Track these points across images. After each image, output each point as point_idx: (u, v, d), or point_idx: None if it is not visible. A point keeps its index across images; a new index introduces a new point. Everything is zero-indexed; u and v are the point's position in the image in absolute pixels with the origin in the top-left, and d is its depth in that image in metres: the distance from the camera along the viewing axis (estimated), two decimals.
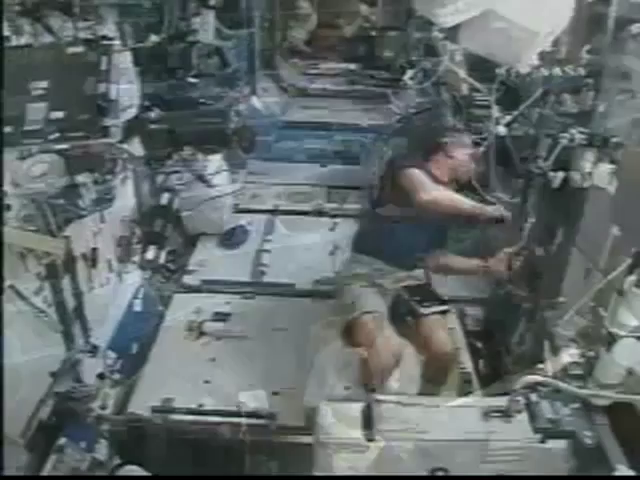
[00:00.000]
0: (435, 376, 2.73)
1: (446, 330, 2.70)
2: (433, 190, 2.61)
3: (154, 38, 3.19)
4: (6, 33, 1.98)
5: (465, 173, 2.87)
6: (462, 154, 2.88)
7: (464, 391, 2.90)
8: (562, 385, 1.84)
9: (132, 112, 2.64)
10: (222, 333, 3.31)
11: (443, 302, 2.76)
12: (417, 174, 2.68)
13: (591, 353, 1.92)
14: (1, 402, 1.95)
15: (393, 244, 2.79)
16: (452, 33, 2.70)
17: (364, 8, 7.36)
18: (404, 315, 2.77)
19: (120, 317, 3.14)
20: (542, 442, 1.85)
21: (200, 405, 2.84)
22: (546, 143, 2.63)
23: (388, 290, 2.82)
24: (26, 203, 2.12)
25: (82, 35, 2.36)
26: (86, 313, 2.67)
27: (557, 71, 2.58)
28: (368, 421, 1.89)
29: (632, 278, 1.71)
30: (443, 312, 2.73)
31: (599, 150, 2.01)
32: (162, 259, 3.71)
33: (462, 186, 2.86)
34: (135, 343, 3.21)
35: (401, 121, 4.62)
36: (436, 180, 2.77)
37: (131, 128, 2.74)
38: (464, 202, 2.60)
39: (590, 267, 2.19)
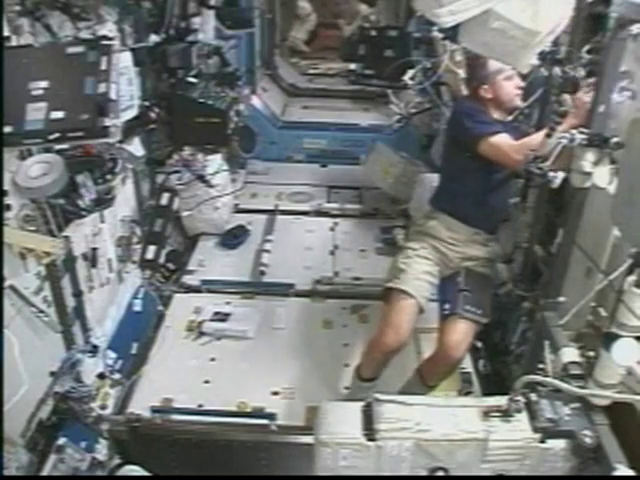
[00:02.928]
0: (428, 373, 2.71)
1: (468, 339, 2.63)
2: (516, 153, 2.42)
3: (154, 38, 3.19)
4: (6, 33, 1.98)
5: (510, 102, 2.74)
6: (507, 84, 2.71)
7: (464, 391, 2.91)
8: (562, 385, 1.84)
9: (132, 112, 2.64)
10: (222, 333, 3.31)
11: (485, 314, 2.66)
12: (499, 142, 2.52)
13: (591, 353, 1.92)
14: (1, 402, 1.95)
15: (466, 202, 2.74)
16: (452, 33, 2.70)
17: (364, 8, 7.38)
18: (444, 298, 2.73)
19: (120, 317, 3.14)
20: (542, 442, 1.85)
21: (200, 405, 2.85)
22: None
23: (450, 264, 2.76)
24: (26, 203, 2.12)
25: (82, 35, 2.37)
26: (86, 313, 2.67)
27: (557, 71, 2.59)
28: (368, 421, 1.89)
29: (632, 278, 1.71)
30: (476, 321, 2.64)
31: (599, 150, 2.01)
32: (162, 259, 3.71)
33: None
34: (135, 343, 3.21)
35: (401, 121, 4.62)
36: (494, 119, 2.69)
37: (131, 128, 2.75)
38: (533, 142, 2.36)
39: (590, 267, 2.19)
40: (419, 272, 2.70)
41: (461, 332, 2.60)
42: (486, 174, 2.70)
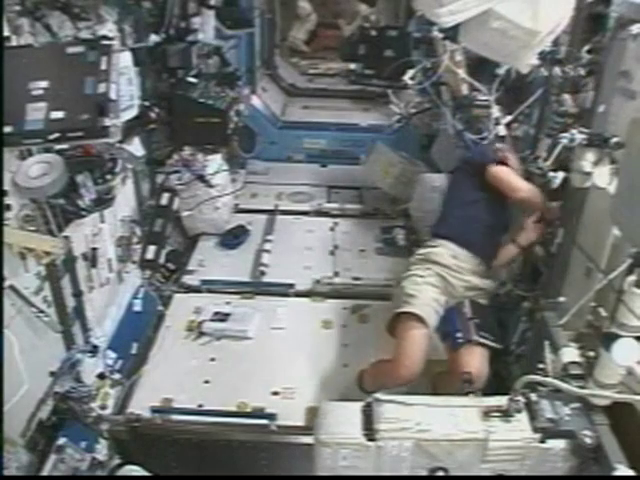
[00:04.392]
0: (442, 391, 2.71)
1: (486, 362, 2.65)
2: (527, 186, 2.75)
3: (154, 38, 3.19)
4: (6, 33, 1.98)
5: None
6: (513, 161, 2.98)
7: (464, 391, 2.90)
8: (562, 385, 1.84)
9: (132, 112, 2.64)
10: (222, 333, 3.31)
11: (497, 341, 2.70)
12: (509, 171, 2.80)
13: (591, 353, 1.92)
14: (1, 402, 1.95)
15: (471, 230, 2.83)
16: (452, 33, 2.70)
17: (364, 8, 7.37)
18: (454, 328, 2.71)
19: (120, 317, 3.14)
20: (542, 442, 1.85)
21: (200, 405, 2.85)
22: (546, 143, 2.63)
23: (455, 293, 2.77)
24: (26, 203, 2.12)
25: (82, 35, 2.37)
26: (86, 313, 2.67)
27: (557, 71, 2.59)
28: (368, 421, 1.89)
29: (632, 278, 1.71)
30: (491, 348, 2.68)
31: (599, 150, 2.01)
32: (162, 259, 3.71)
33: None
34: (135, 343, 3.21)
35: (401, 121, 4.62)
36: None
37: (131, 128, 2.74)
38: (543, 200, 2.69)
39: (590, 267, 2.19)
40: (429, 299, 2.68)
41: (480, 359, 2.62)
42: (495, 204, 2.84)
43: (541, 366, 2.15)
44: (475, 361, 2.60)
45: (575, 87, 2.41)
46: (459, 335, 2.66)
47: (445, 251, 2.81)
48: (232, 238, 4.21)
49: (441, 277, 2.75)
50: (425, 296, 2.67)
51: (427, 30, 3.51)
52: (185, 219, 4.11)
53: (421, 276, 2.76)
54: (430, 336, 2.64)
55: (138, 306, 3.34)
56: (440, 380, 2.83)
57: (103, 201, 2.53)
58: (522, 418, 1.88)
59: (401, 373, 2.56)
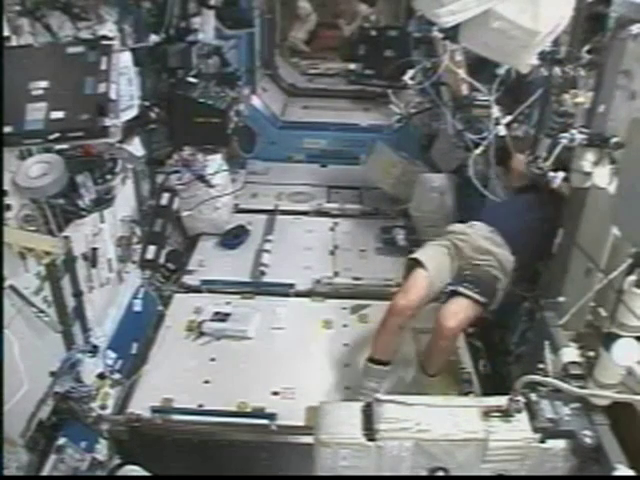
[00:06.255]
0: (428, 357, 2.80)
1: (464, 314, 2.66)
2: None
3: (154, 38, 3.19)
4: (6, 33, 1.98)
5: None
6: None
7: (464, 391, 2.91)
8: (562, 385, 1.84)
9: (132, 112, 2.64)
10: (222, 333, 3.31)
11: (483, 294, 2.68)
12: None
13: (591, 353, 1.92)
14: (1, 402, 1.95)
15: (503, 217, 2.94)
16: (452, 33, 2.70)
17: (364, 8, 7.37)
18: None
19: (120, 317, 3.14)
20: (542, 442, 1.85)
21: (200, 405, 2.85)
22: (546, 143, 2.63)
23: (462, 254, 2.85)
24: (26, 203, 2.12)
25: (82, 35, 2.37)
26: (86, 313, 2.67)
27: (557, 71, 2.59)
28: (368, 421, 1.89)
29: (632, 278, 1.71)
30: (477, 301, 2.68)
31: (599, 150, 2.01)
32: (162, 259, 3.71)
33: None
34: (135, 343, 3.21)
35: (401, 121, 4.62)
36: None
37: (131, 128, 2.75)
38: None
39: (590, 267, 2.19)
40: (434, 252, 2.85)
41: (458, 305, 2.68)
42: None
43: (541, 366, 2.15)
44: (452, 306, 2.68)
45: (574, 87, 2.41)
46: (448, 287, 2.80)
47: (464, 225, 2.98)
48: (232, 238, 4.22)
49: (452, 242, 2.88)
50: (431, 249, 2.88)
51: (427, 30, 3.52)
52: (185, 219, 4.11)
53: (436, 241, 2.96)
54: (432, 283, 2.75)
55: (138, 306, 3.34)
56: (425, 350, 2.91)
57: (103, 201, 2.54)
58: (522, 418, 1.88)
59: (396, 301, 2.73)
